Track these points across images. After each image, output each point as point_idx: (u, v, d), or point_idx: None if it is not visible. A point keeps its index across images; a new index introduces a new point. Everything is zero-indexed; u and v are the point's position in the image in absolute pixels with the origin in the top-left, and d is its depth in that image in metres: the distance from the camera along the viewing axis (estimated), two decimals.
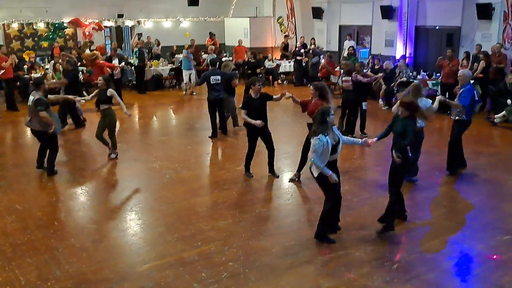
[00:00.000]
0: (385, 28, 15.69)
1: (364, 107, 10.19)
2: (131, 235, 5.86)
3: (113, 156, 8.75)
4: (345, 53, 16.17)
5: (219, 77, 10.04)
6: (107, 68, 12.60)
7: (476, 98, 7.49)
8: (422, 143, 7.30)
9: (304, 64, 16.42)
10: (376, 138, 5.95)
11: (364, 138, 5.83)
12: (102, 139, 8.70)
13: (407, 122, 5.53)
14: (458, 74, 7.73)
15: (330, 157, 5.28)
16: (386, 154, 8.86)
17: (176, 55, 18.11)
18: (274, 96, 7.61)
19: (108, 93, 8.41)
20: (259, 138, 7.57)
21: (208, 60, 13.03)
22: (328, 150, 5.19)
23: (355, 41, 17.03)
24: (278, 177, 7.69)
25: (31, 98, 7.65)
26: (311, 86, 7.09)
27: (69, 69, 11.12)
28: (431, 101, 7.15)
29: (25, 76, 14.24)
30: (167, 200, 6.86)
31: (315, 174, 5.35)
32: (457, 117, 7.60)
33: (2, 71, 12.43)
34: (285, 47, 18.08)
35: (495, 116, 10.82)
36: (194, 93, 15.32)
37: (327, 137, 5.19)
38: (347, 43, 16.42)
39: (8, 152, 9.52)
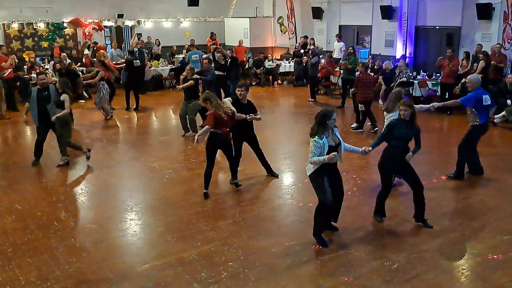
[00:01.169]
0: (385, 28, 15.69)
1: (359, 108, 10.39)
2: (131, 235, 5.86)
3: (60, 163, 8.36)
4: (334, 54, 16.16)
5: None
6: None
7: (487, 103, 7.22)
8: None
9: (304, 64, 16.42)
10: (371, 147, 5.87)
11: (364, 147, 5.73)
12: (71, 145, 8.41)
13: (416, 128, 5.82)
14: (466, 81, 7.53)
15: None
16: None
17: (176, 55, 18.11)
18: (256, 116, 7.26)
19: (61, 98, 8.17)
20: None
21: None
22: (324, 152, 5.19)
23: (355, 42, 17.04)
24: (277, 176, 7.69)
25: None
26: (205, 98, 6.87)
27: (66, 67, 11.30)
28: None
29: (25, 76, 14.24)
30: (167, 200, 6.86)
31: (308, 173, 5.39)
32: (473, 123, 7.38)
33: (9, 71, 12.45)
34: (303, 45, 17.18)
35: (495, 116, 10.81)
36: None
37: (323, 139, 5.19)
38: (337, 44, 16.45)
39: (8, 152, 9.52)
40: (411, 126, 5.76)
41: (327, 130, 5.27)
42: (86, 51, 16.78)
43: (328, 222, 5.77)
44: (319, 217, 5.49)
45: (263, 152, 7.65)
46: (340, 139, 5.44)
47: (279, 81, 17.59)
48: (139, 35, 18.42)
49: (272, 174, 7.72)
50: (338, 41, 16.47)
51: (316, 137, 5.19)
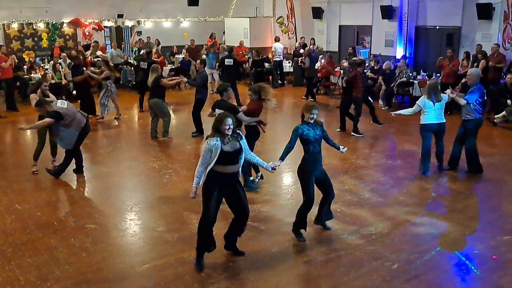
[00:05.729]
0: (385, 28, 15.69)
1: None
2: (131, 235, 5.86)
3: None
4: (276, 57, 16.59)
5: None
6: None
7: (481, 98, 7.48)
8: None
9: (299, 65, 16.40)
10: (280, 160, 5.52)
11: (270, 163, 5.26)
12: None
13: (320, 123, 5.61)
14: (467, 74, 7.78)
15: (227, 167, 4.84)
16: (386, 154, 8.90)
17: (176, 55, 18.10)
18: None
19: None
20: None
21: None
22: (215, 156, 4.74)
23: (355, 42, 17.03)
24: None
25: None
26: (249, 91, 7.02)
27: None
28: None
29: (25, 76, 14.25)
30: (167, 200, 6.86)
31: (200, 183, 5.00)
32: (467, 117, 7.53)
33: None
34: (303, 45, 17.10)
35: (495, 116, 10.81)
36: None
37: (217, 142, 4.74)
38: (277, 45, 16.69)
39: (8, 152, 9.52)
40: (315, 124, 5.48)
41: (221, 135, 4.79)
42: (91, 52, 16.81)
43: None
44: (199, 235, 5.03)
45: None
46: (245, 149, 4.97)
47: (279, 81, 17.57)
48: (139, 33, 18.39)
49: None
50: (276, 42, 16.87)
51: (210, 139, 4.79)
